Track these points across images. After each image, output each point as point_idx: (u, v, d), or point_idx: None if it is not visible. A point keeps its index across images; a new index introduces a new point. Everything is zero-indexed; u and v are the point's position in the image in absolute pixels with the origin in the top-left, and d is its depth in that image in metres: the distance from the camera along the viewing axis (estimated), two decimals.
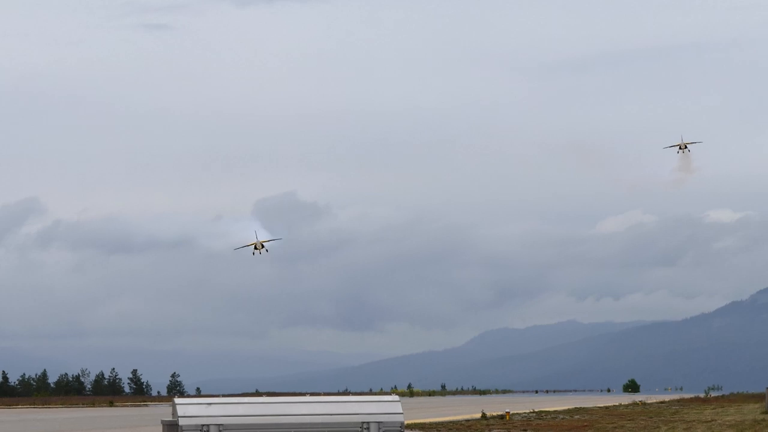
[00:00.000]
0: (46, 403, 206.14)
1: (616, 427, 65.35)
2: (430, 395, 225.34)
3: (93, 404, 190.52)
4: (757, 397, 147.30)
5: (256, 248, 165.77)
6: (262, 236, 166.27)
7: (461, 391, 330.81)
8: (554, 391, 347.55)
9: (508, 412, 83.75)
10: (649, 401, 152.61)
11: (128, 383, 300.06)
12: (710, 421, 72.44)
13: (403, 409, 15.78)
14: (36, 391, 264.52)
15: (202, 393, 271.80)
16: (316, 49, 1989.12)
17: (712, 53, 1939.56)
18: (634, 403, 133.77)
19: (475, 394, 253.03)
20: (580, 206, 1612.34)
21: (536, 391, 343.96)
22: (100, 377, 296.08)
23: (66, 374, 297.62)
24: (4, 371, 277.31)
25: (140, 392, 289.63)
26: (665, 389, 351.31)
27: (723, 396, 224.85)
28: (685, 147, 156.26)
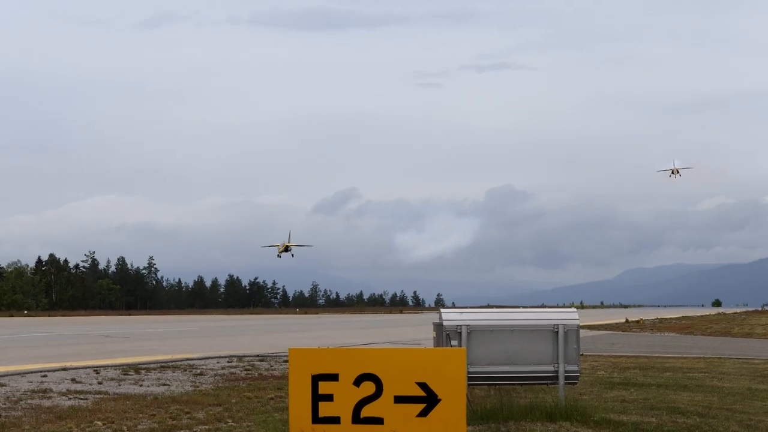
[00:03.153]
0: (360, 311, 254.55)
1: (706, 327, 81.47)
2: (593, 308, 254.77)
3: (390, 311, 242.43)
4: None
5: (286, 250, 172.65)
6: (294, 241, 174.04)
7: (613, 306, 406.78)
8: (669, 306, 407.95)
9: (642, 319, 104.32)
10: (726, 312, 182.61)
11: (411, 299, 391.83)
12: (766, 324, 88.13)
13: (578, 316, 17.67)
14: (356, 304, 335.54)
15: (456, 306, 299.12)
16: None
17: None
18: (718, 314, 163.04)
19: (622, 308, 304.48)
20: None
21: (658, 306, 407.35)
22: (394, 296, 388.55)
23: (373, 293, 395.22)
24: (337, 292, 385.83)
25: (418, 305, 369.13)
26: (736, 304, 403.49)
27: None
28: (677, 171, 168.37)
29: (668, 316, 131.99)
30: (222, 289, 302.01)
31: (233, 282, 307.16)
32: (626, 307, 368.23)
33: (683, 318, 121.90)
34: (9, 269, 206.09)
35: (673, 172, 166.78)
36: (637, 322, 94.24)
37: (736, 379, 28.02)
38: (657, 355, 39.04)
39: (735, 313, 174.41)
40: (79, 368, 28.78)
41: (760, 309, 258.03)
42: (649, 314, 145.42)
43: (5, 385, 23.05)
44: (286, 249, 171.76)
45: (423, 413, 11.49)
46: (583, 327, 18.20)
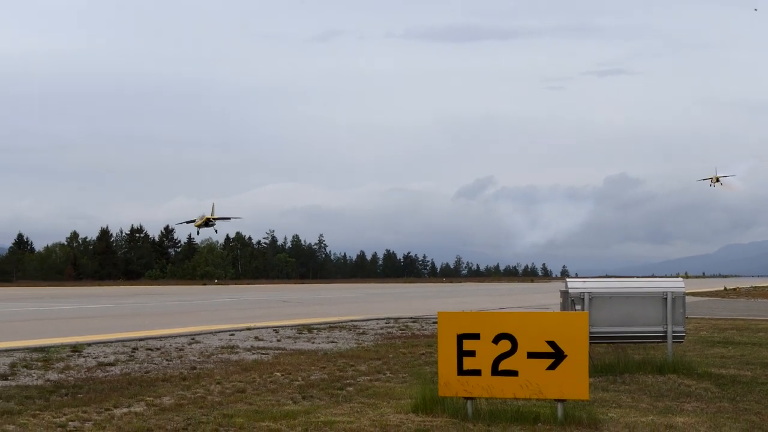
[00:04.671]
0: (497, 280, 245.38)
1: None
2: (696, 278, 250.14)
3: (522, 280, 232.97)
4: None
5: (206, 224, 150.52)
6: (219, 213, 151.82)
7: (713, 276, 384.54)
8: (762, 276, 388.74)
9: (738, 287, 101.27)
10: None
11: (540, 270, 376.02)
12: None
13: (684, 285, 17.70)
14: (493, 275, 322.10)
15: (578, 276, 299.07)
16: None
17: None
18: None
19: (721, 278, 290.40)
20: None
21: (752, 276, 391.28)
22: (525, 267, 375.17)
23: (508, 265, 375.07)
24: (477, 264, 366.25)
25: (546, 275, 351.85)
26: None
27: None
28: (717, 180, 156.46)
29: (762, 285, 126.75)
30: (380, 262, 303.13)
31: (389, 256, 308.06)
32: (725, 277, 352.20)
33: None
34: (202, 245, 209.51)
35: (713, 181, 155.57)
36: (734, 290, 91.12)
37: None
38: (752, 318, 38.41)
39: None
40: (261, 328, 29.18)
41: None
42: (745, 283, 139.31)
43: (200, 342, 23.52)
44: (206, 223, 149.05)
45: (551, 367, 11.78)
46: (687, 294, 18.01)
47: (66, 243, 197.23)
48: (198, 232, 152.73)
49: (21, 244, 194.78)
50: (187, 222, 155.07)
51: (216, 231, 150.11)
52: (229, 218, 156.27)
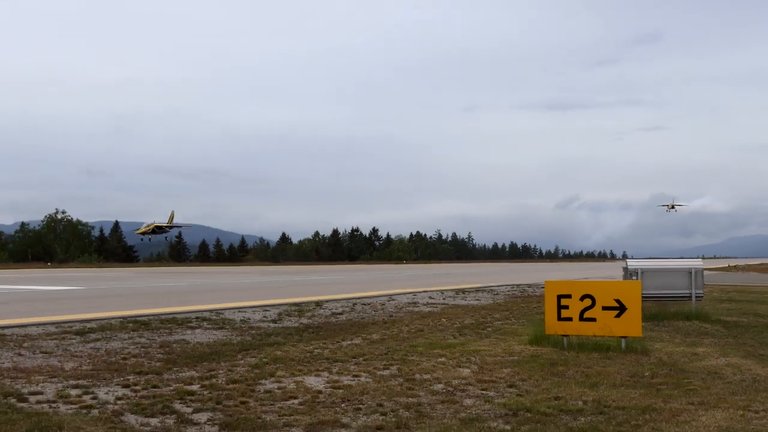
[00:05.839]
0: (583, 261, 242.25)
1: None
2: (710, 259, 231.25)
3: (596, 261, 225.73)
4: None
5: (154, 232, 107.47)
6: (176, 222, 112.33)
7: (722, 257, 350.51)
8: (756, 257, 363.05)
9: (737, 265, 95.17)
10: None
11: (608, 254, 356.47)
12: None
13: (702, 263, 17.54)
14: (580, 257, 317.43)
15: (633, 257, 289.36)
16: None
17: None
18: None
19: (725, 259, 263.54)
20: None
21: (749, 258, 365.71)
22: (601, 253, 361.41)
23: (591, 251, 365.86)
24: (572, 251, 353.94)
25: (613, 257, 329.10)
26: None
27: None
28: (672, 206, 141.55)
29: (753, 263, 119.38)
30: (507, 249, 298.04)
31: (513, 245, 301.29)
32: (728, 258, 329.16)
33: (762, 264, 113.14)
34: (395, 239, 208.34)
35: (669, 207, 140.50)
36: (735, 267, 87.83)
37: None
38: (746, 284, 37.78)
39: None
40: (432, 291, 29.36)
41: None
42: (741, 263, 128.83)
43: (394, 300, 23.83)
44: (155, 230, 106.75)
45: (617, 316, 11.80)
46: (704, 269, 17.75)
47: (311, 238, 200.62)
48: (142, 239, 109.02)
49: (284, 239, 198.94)
50: (135, 230, 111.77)
51: (166, 238, 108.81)
52: (180, 226, 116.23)
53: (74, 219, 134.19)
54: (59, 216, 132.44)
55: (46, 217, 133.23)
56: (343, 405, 7.83)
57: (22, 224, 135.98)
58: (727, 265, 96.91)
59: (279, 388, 8.64)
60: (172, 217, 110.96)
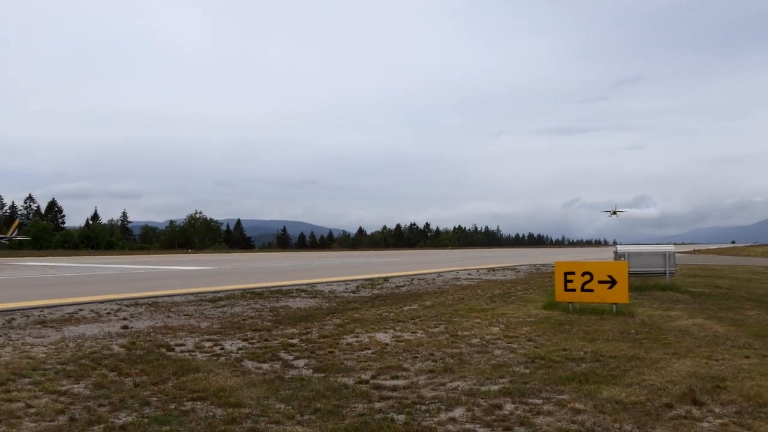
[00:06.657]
0: (583, 246, 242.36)
1: (734, 252, 71.97)
2: (681, 244, 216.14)
3: (592, 246, 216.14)
4: None
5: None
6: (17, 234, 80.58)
7: (689, 243, 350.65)
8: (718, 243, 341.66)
9: (699, 249, 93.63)
10: None
11: (603, 241, 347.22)
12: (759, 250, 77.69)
13: (674, 248, 17.37)
14: (581, 244, 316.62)
15: (621, 243, 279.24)
16: None
17: None
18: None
19: (691, 244, 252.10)
20: None
21: (714, 244, 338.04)
22: (597, 240, 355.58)
23: (590, 239, 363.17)
24: (574, 239, 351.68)
25: (606, 243, 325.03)
26: None
27: None
28: (614, 212, 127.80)
29: (714, 248, 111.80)
30: (526, 238, 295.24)
31: (531, 235, 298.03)
32: (694, 244, 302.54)
33: (719, 248, 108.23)
34: (443, 231, 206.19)
35: (611, 213, 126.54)
36: (698, 251, 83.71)
37: (742, 273, 26.04)
38: (707, 264, 36.20)
39: None
40: (470, 269, 29.22)
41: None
42: (704, 248, 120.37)
43: (442, 276, 23.70)
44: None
45: (610, 288, 11.49)
46: (676, 252, 17.02)
47: (381, 230, 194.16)
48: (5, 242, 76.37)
49: (360, 231, 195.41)
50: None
51: (7, 243, 74.69)
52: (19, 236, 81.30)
53: (208, 218, 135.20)
54: (197, 216, 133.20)
55: (188, 216, 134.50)
56: (404, 354, 7.85)
57: (171, 222, 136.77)
58: (692, 249, 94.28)
59: (357, 342, 8.68)
60: (14, 228, 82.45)
